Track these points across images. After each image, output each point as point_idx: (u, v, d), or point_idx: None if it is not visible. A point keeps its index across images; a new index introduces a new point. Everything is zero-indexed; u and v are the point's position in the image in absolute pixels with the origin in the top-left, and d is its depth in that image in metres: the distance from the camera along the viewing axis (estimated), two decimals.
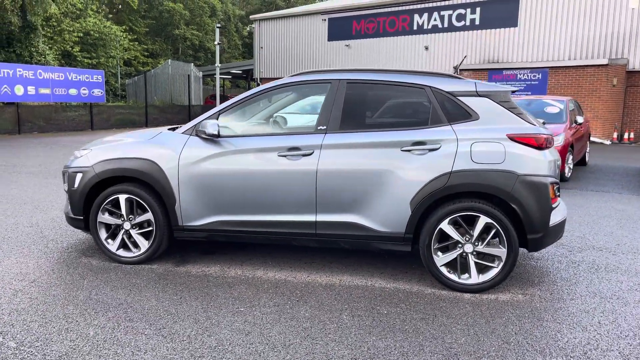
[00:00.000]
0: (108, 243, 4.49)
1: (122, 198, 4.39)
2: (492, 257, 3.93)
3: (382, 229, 4.02)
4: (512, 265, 3.87)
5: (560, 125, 9.89)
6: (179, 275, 4.21)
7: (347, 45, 27.31)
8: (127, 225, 4.44)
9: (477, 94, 4.02)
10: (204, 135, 4.21)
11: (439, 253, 3.99)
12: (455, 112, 4.01)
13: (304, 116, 5.68)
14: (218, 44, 25.89)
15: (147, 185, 4.37)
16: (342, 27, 27.61)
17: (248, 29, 34.16)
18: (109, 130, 21.64)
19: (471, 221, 3.90)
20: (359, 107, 4.23)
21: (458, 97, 4.03)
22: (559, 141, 9.40)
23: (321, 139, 4.09)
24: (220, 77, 41.25)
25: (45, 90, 19.59)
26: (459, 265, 3.97)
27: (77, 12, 30.56)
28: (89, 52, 31.09)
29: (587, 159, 12.22)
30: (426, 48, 24.81)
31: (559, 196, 4.05)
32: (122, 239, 4.47)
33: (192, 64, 30.92)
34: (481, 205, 3.84)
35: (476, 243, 3.91)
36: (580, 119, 10.58)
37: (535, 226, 3.84)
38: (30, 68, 19.31)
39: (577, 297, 3.91)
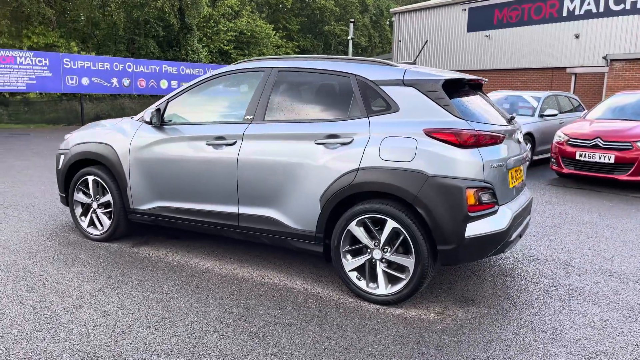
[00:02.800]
0: (82, 220, 4.91)
1: (90, 179, 4.76)
2: (403, 267, 3.47)
3: (296, 226, 3.80)
4: (421, 277, 3.37)
5: None
6: (122, 255, 4.44)
7: (486, 36, 25.67)
8: (95, 205, 4.80)
9: (403, 84, 3.56)
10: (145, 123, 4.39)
11: (349, 256, 3.64)
12: (375, 102, 3.61)
13: None
14: (351, 38, 26.19)
15: (107, 168, 4.67)
16: (482, 17, 26.01)
17: (388, 22, 33.81)
18: None
19: (382, 225, 3.49)
20: (286, 97, 4.01)
21: (381, 87, 3.61)
22: None
23: (244, 129, 3.99)
24: None
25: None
26: (368, 272, 3.59)
27: (233, 13, 33.20)
28: (242, 50, 33.59)
29: None
30: (576, 36, 22.23)
31: (490, 204, 3.40)
32: (91, 217, 4.85)
33: None
34: (388, 207, 3.41)
35: (385, 249, 3.49)
36: None
37: (445, 236, 3.29)
38: (174, 64, 21.56)
39: (501, 325, 3.28)
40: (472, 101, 3.79)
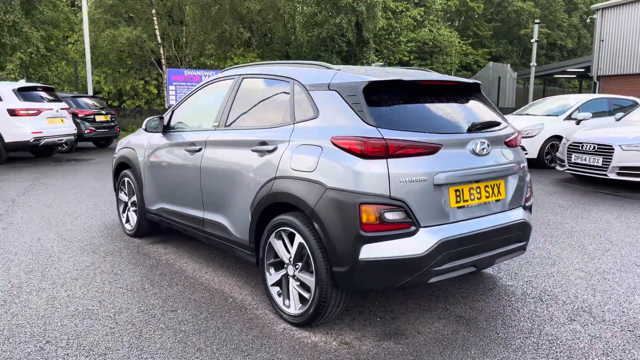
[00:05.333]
0: (123, 217, 5.52)
1: (126, 181, 5.33)
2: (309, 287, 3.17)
3: (237, 235, 3.74)
4: (321, 300, 3.02)
5: None
6: (131, 250, 4.87)
7: None
8: (129, 204, 5.36)
9: (328, 88, 3.26)
10: None
11: (272, 270, 3.45)
12: (303, 108, 3.36)
13: None
14: (536, 40, 23.96)
15: (133, 170, 5.17)
16: None
17: (588, 20, 29.67)
18: None
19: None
20: (243, 103, 3.95)
21: (309, 92, 3.36)
22: None
23: (208, 136, 4.07)
24: (561, 77, 37.58)
25: None
26: (285, 288, 3.35)
27: (414, 24, 33.03)
28: (424, 60, 33.22)
29: None
30: None
31: (402, 224, 2.88)
32: (127, 215, 5.42)
33: (509, 64, 29.32)
34: (296, 220, 3.15)
35: (296, 266, 3.23)
36: None
37: (338, 256, 2.91)
38: None
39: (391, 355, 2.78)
40: (422, 106, 3.27)
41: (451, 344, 3.04)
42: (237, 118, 3.93)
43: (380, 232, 2.86)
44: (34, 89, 11.80)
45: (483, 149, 3.21)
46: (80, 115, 13.61)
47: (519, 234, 3.43)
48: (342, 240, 2.88)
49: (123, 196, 5.47)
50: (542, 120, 11.04)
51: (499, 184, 3.35)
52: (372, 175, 2.86)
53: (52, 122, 11.58)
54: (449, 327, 3.27)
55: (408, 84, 3.28)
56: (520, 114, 12.25)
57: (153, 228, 5.26)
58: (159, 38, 25.83)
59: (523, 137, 10.59)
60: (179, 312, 3.48)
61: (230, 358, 2.87)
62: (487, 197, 3.26)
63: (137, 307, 3.55)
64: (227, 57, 29.17)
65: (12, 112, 10.88)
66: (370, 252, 2.85)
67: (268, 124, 3.60)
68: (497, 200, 3.33)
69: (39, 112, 11.23)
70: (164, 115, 4.72)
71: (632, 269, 4.40)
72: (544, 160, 10.75)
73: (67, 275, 4.18)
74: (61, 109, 11.93)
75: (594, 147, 8.38)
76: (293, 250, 3.21)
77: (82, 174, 9.97)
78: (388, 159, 2.89)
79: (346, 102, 3.11)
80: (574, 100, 11.59)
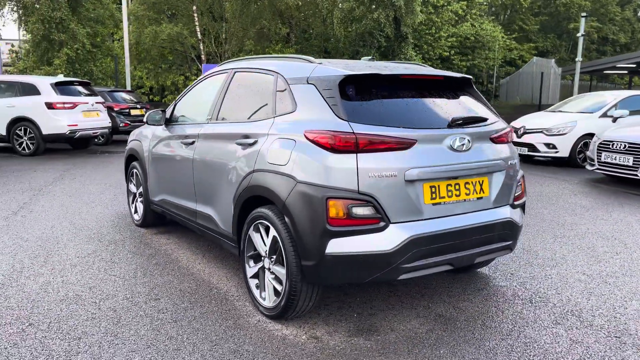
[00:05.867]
0: (132, 207, 5.67)
1: (134, 172, 5.48)
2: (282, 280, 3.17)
3: (223, 227, 3.79)
4: (291, 293, 3.02)
5: None
6: (135, 239, 4.99)
7: None
8: (137, 194, 5.51)
9: (307, 82, 3.25)
10: None
11: (251, 262, 3.48)
12: (283, 102, 3.36)
13: None
14: (582, 35, 23.09)
15: (140, 162, 5.30)
16: None
17: None
18: None
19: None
20: (233, 96, 3.98)
21: (290, 85, 3.35)
22: None
23: (200, 129, 4.13)
24: (612, 73, 36.04)
25: None
26: (261, 281, 3.38)
27: (456, 19, 32.36)
28: (465, 55, 32.54)
29: None
30: None
31: (371, 219, 2.84)
32: (135, 206, 5.57)
33: (553, 60, 28.29)
34: (270, 213, 3.16)
35: (272, 258, 3.25)
36: None
37: (306, 250, 2.90)
38: None
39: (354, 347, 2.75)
40: (400, 100, 3.21)
41: (421, 343, 2.99)
42: (227, 111, 3.98)
43: (348, 227, 2.84)
44: (71, 83, 12.24)
45: (462, 144, 3.12)
46: (115, 109, 14.04)
47: (503, 233, 3.33)
48: (309, 235, 2.88)
49: (132, 187, 5.62)
50: (575, 117, 10.63)
51: (482, 181, 3.25)
52: (341, 170, 2.84)
53: (88, 115, 11.99)
54: (425, 326, 3.21)
55: (387, 78, 3.22)
56: (553, 111, 11.84)
57: (159, 219, 5.37)
58: (199, 34, 26.33)
59: (553, 135, 10.27)
60: (162, 301, 3.56)
61: (197, 347, 2.92)
62: (467, 194, 3.17)
63: (123, 295, 3.65)
64: (266, 52, 29.46)
65: (50, 105, 11.34)
66: (337, 246, 2.84)
67: (252, 118, 3.63)
68: (479, 198, 3.24)
69: (74, 105, 11.65)
70: (164, 109, 4.81)
71: (638, 273, 4.19)
72: (577, 159, 10.35)
73: (67, 262, 4.33)
74: (96, 102, 12.34)
75: (625, 145, 8.01)
76: (267, 242, 3.23)
77: (112, 165, 10.30)
78: (358, 154, 2.86)
79: (322, 95, 3.10)
80: (610, 97, 11.10)
